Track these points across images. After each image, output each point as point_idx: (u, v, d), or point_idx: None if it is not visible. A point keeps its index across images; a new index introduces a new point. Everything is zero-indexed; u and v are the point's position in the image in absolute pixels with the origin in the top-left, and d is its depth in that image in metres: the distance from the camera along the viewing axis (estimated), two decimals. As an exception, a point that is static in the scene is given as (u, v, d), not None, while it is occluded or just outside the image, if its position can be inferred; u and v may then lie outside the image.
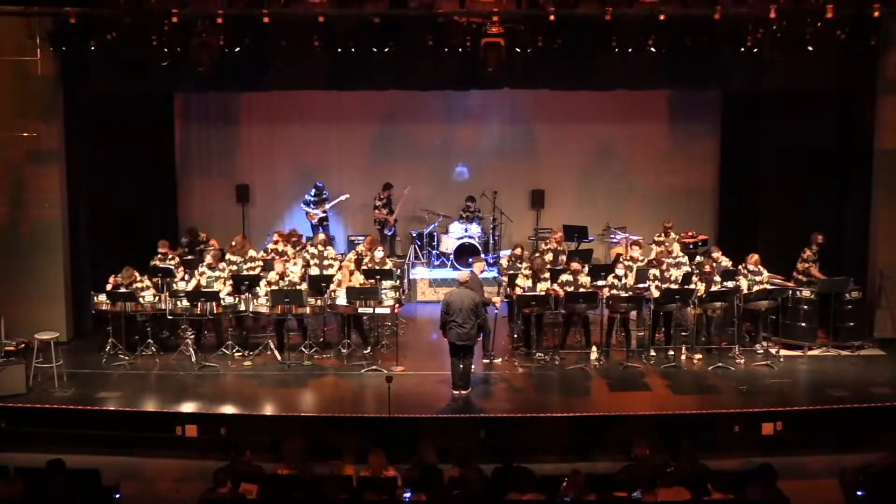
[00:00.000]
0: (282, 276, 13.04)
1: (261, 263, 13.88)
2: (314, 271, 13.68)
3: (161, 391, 12.05)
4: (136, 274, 12.97)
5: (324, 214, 16.57)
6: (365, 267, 13.70)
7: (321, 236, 14.41)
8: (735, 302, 12.91)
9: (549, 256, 14.44)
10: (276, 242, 14.63)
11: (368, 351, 12.92)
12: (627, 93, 15.87)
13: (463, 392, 11.77)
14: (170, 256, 14.00)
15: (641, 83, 14.44)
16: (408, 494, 7.74)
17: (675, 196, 17.12)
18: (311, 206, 16.50)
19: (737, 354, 12.94)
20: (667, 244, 14.24)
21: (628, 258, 13.79)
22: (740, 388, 12.02)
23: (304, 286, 13.10)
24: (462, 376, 11.77)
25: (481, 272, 12.98)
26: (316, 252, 13.99)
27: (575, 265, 12.97)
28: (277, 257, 13.68)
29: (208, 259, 13.27)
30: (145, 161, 15.86)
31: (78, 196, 14.10)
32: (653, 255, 14.08)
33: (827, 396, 11.74)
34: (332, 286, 13.03)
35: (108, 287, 12.83)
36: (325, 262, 13.86)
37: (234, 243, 14.16)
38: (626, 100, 16.53)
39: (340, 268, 13.53)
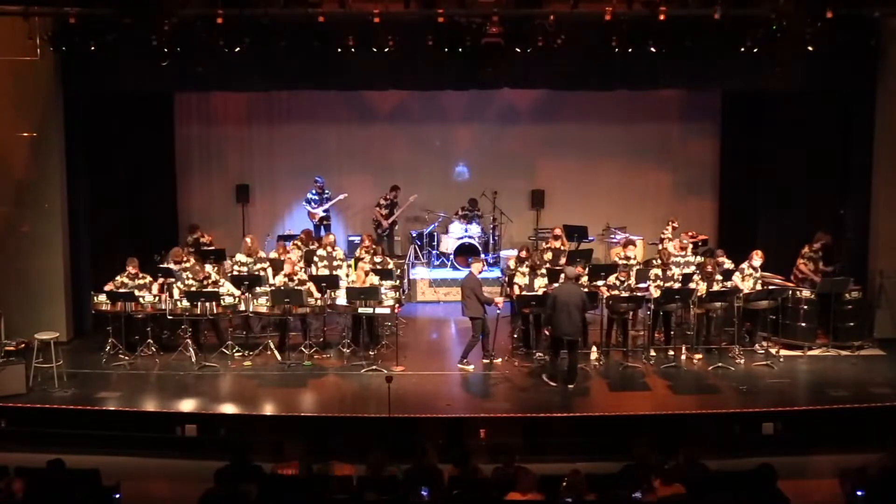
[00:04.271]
0: (290, 277, 13.02)
1: (267, 265, 13.86)
2: (324, 272, 13.66)
3: (161, 391, 12.06)
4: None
5: (325, 213, 16.57)
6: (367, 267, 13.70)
7: (331, 237, 14.38)
8: (735, 302, 12.91)
9: (548, 255, 14.45)
10: (289, 248, 14.53)
11: (372, 353, 12.92)
12: (627, 93, 15.88)
13: (570, 386, 11.92)
14: (185, 260, 13.89)
15: (641, 83, 14.45)
16: (425, 492, 7.74)
17: (675, 196, 17.12)
18: (313, 204, 16.49)
19: (737, 354, 12.94)
20: (684, 240, 14.25)
21: (622, 257, 13.79)
22: (740, 388, 12.02)
23: (307, 286, 13.11)
24: (569, 370, 11.94)
25: (480, 272, 13.00)
26: (325, 254, 13.97)
27: (578, 269, 12.95)
28: (287, 257, 13.68)
29: (198, 274, 13.08)
30: (145, 161, 15.86)
31: (78, 196, 14.10)
32: (656, 253, 14.07)
33: (827, 396, 11.75)
34: (346, 284, 13.03)
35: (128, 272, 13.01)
36: (335, 263, 13.84)
37: (249, 242, 14.12)
38: (626, 100, 16.54)
39: (354, 267, 13.55)
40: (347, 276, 13.64)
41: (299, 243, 14.75)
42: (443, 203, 17.07)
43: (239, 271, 13.61)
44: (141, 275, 13.14)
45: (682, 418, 11.11)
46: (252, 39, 12.78)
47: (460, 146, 17.59)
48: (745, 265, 13.22)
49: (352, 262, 14.24)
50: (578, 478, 7.82)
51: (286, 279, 13.03)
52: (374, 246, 14.47)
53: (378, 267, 13.77)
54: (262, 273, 13.68)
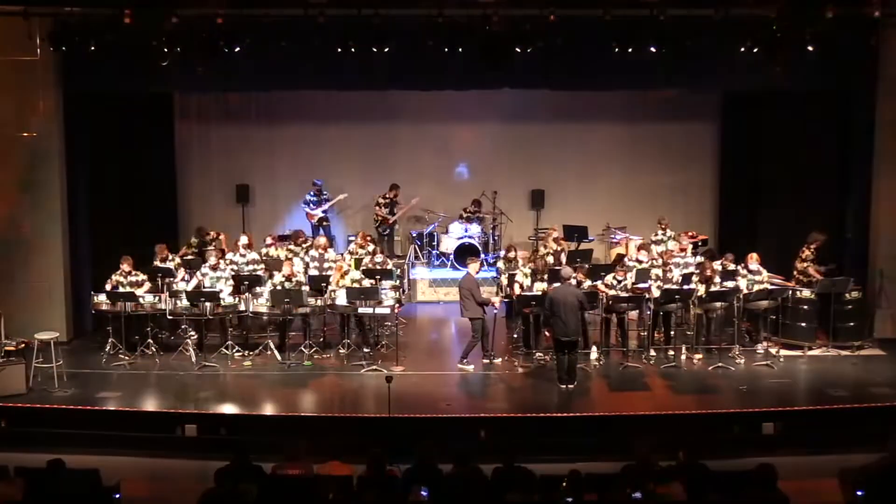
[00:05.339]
0: (288, 278, 13.01)
1: (262, 266, 13.86)
2: (314, 273, 13.65)
3: (161, 391, 12.06)
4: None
5: (323, 214, 16.56)
6: (364, 267, 13.69)
7: (322, 240, 14.37)
8: (735, 302, 12.91)
9: (550, 259, 14.42)
10: (268, 245, 14.56)
11: (368, 351, 12.92)
12: (627, 93, 15.87)
13: (570, 386, 11.92)
14: (170, 258, 13.96)
15: (641, 83, 14.46)
16: (424, 493, 7.73)
17: (674, 196, 17.11)
18: (311, 205, 16.50)
19: (737, 354, 12.94)
20: (681, 242, 14.23)
21: (634, 259, 13.77)
22: (740, 388, 12.02)
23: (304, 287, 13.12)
24: (568, 371, 11.92)
25: (477, 272, 12.99)
26: (317, 255, 13.96)
27: (580, 274, 12.92)
28: (282, 258, 13.66)
29: (212, 260, 13.23)
30: (145, 161, 15.85)
31: (78, 196, 14.10)
32: (655, 255, 14.05)
33: (827, 396, 11.75)
34: (332, 287, 13.05)
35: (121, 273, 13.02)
36: (326, 265, 13.83)
37: (245, 241, 14.12)
38: (627, 100, 16.54)
39: (355, 266, 13.58)
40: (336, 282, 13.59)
41: (292, 245, 14.74)
42: (443, 203, 17.08)
43: (234, 271, 13.58)
44: (134, 272, 13.12)
45: (682, 418, 11.11)
46: (252, 39, 12.79)
47: (460, 146, 17.59)
48: (739, 268, 13.24)
49: (352, 261, 14.19)
50: (578, 478, 7.82)
51: (284, 279, 13.02)
52: (368, 243, 14.44)
53: (378, 266, 13.77)
54: (259, 273, 13.64)
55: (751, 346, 13.25)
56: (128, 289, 12.88)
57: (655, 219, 15.76)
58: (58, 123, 13.64)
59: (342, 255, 14.95)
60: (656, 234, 15.02)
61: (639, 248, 14.16)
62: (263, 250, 14.58)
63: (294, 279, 13.06)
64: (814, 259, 13.85)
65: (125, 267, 13.06)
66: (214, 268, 13.16)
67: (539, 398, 11.84)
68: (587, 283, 12.96)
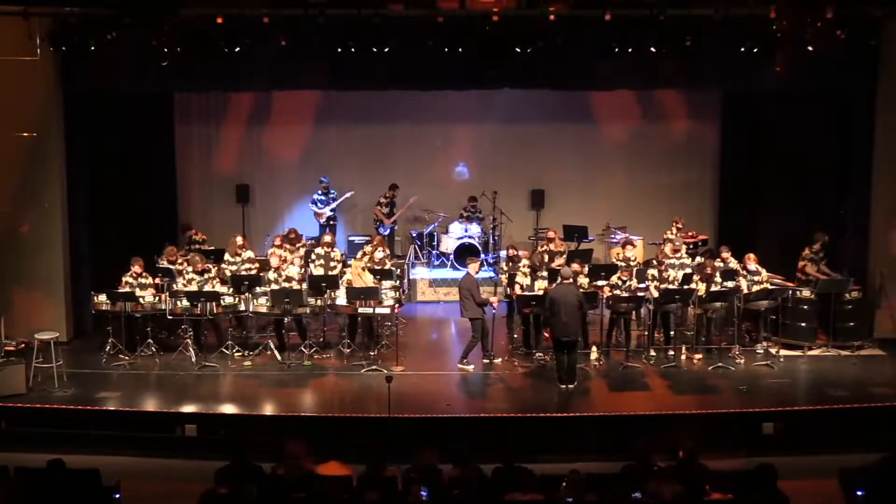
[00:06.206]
0: (277, 270, 13.00)
1: (257, 265, 13.83)
2: (319, 272, 13.64)
3: (161, 391, 12.06)
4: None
5: (331, 213, 16.55)
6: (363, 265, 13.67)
7: (327, 238, 14.36)
8: (735, 302, 12.91)
9: (545, 257, 14.42)
10: (278, 246, 14.53)
11: (374, 353, 12.90)
12: (627, 93, 15.85)
13: (570, 386, 11.91)
14: (178, 261, 13.86)
15: (641, 83, 14.46)
16: (424, 493, 7.73)
17: (675, 196, 17.10)
18: (320, 205, 16.48)
19: (737, 354, 12.94)
20: (676, 242, 14.24)
21: (621, 258, 13.79)
22: (740, 388, 12.02)
23: (304, 286, 13.10)
24: (567, 371, 11.90)
25: (477, 273, 12.99)
26: (322, 253, 13.93)
27: (575, 266, 12.94)
28: (274, 254, 13.67)
29: (198, 265, 13.13)
30: (145, 161, 15.84)
31: (78, 196, 14.10)
32: (656, 253, 14.06)
33: (827, 396, 11.75)
34: (342, 286, 13.04)
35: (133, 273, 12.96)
36: (332, 264, 13.81)
37: (240, 242, 14.09)
38: (626, 99, 16.53)
39: (349, 266, 13.55)
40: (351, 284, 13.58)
41: (288, 245, 14.69)
42: (443, 203, 17.07)
43: (231, 271, 13.57)
44: (144, 274, 13.12)
45: (682, 418, 11.11)
46: (252, 39, 12.79)
47: (460, 146, 17.58)
48: (739, 268, 13.24)
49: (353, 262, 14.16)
50: (578, 478, 7.82)
51: (276, 274, 13.01)
52: (382, 247, 14.46)
53: (377, 266, 13.76)
54: (250, 273, 13.60)
55: (751, 346, 13.25)
56: (137, 290, 12.86)
57: (655, 219, 15.79)
58: (58, 123, 13.63)
59: (344, 254, 14.93)
60: (669, 233, 15.00)
61: (623, 246, 14.16)
62: (270, 251, 14.45)
63: (284, 273, 13.02)
64: (813, 259, 13.84)
65: (136, 269, 13.02)
66: (201, 272, 13.07)
67: (539, 398, 11.84)
68: (584, 281, 12.95)
